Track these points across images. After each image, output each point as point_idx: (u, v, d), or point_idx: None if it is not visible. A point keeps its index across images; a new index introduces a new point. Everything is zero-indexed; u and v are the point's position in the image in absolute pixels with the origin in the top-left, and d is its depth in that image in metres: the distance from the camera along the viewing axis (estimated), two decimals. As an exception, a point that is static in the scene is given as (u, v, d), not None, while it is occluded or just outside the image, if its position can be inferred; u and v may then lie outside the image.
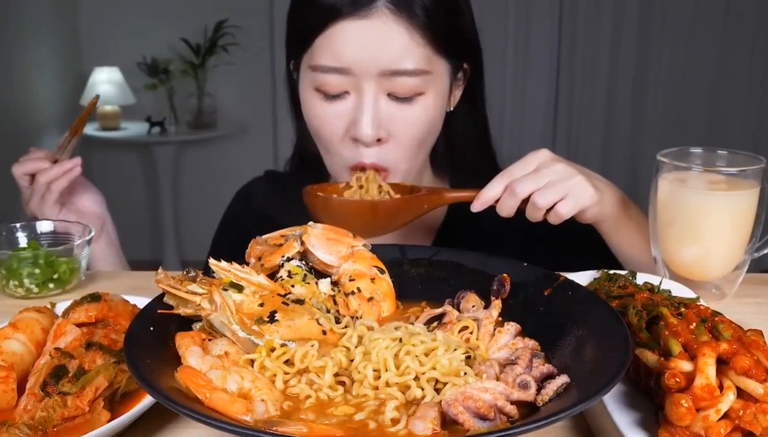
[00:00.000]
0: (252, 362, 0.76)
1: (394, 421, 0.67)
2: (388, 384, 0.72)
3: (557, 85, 4.90)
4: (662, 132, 4.78)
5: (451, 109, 1.34)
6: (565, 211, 1.08)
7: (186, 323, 0.81)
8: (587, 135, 4.95)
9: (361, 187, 1.21)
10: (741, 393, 0.69)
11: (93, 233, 1.23)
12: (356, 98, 1.19)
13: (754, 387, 0.69)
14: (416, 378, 0.72)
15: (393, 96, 1.19)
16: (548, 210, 1.09)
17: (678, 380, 0.69)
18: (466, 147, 1.42)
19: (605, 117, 4.91)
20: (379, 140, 1.21)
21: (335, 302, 0.88)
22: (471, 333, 0.82)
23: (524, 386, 0.71)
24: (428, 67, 1.18)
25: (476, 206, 1.11)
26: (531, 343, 0.81)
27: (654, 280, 1.03)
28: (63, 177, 1.35)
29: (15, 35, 4.23)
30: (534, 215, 1.10)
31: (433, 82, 1.21)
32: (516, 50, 4.80)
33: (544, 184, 1.08)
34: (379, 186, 1.20)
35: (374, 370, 0.73)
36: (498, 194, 1.10)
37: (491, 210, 1.12)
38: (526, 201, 1.09)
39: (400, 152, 1.23)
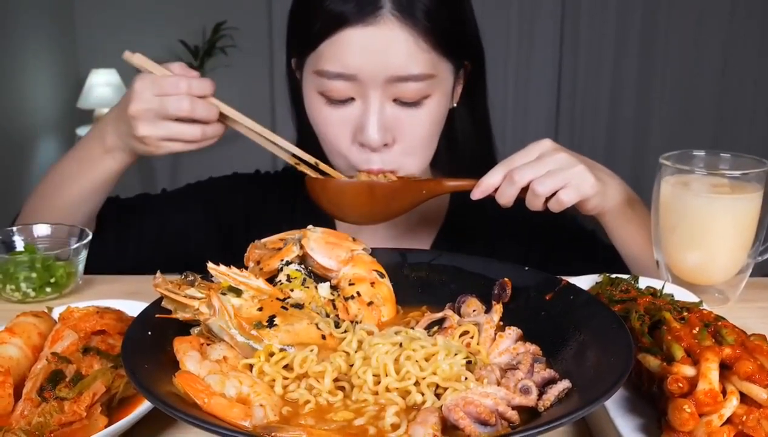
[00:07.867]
0: (251, 367, 0.76)
1: (395, 427, 0.67)
2: (388, 389, 0.72)
3: (559, 83, 4.90)
4: (668, 132, 4.76)
5: (455, 105, 1.34)
6: (567, 198, 1.07)
7: (184, 327, 0.81)
8: (591, 135, 4.94)
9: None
10: (744, 398, 0.69)
11: (90, 237, 1.22)
12: (362, 104, 1.18)
13: (758, 392, 0.68)
14: (416, 383, 0.72)
15: (399, 101, 1.18)
16: (548, 198, 1.08)
17: (681, 385, 0.69)
18: (466, 145, 1.41)
19: (609, 117, 4.89)
20: (386, 145, 1.20)
21: (335, 307, 0.88)
22: (472, 337, 0.82)
23: (525, 391, 0.71)
24: (433, 70, 1.18)
25: (476, 194, 1.11)
26: (532, 348, 0.81)
27: (656, 284, 1.03)
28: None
29: (11, 38, 4.23)
30: (533, 203, 1.09)
31: (438, 83, 1.20)
32: (519, 48, 4.80)
33: (544, 172, 1.07)
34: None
35: (374, 375, 0.73)
36: (498, 182, 1.09)
37: (493, 204, 1.12)
38: (525, 190, 1.08)
39: (407, 154, 1.23)
